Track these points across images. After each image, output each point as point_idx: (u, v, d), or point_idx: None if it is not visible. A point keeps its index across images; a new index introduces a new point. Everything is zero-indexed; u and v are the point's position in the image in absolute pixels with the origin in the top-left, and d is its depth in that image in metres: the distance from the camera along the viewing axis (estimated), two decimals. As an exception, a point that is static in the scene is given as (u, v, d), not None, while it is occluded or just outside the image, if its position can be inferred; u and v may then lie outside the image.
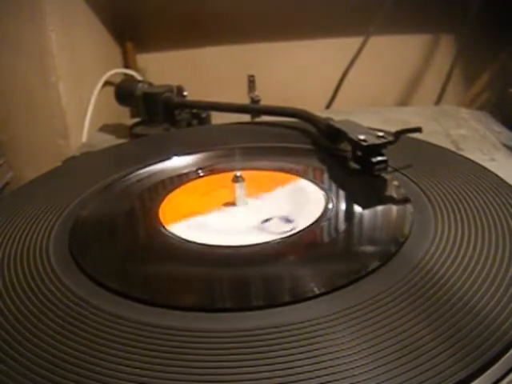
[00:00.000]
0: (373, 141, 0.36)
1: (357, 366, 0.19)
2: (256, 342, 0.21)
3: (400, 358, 0.19)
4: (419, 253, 0.26)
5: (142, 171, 0.39)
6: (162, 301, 0.24)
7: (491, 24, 0.70)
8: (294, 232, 0.30)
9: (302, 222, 0.31)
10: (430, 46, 0.78)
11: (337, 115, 0.44)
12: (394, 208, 0.32)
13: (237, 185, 0.33)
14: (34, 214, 0.33)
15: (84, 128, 0.63)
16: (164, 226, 0.31)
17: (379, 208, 0.32)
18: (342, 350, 0.20)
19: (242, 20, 0.75)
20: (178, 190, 0.37)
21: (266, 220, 0.32)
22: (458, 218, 0.29)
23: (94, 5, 0.68)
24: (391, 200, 0.33)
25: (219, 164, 0.40)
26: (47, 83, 0.57)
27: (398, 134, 0.36)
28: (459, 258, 0.25)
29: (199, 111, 0.55)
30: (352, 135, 0.37)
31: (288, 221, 0.31)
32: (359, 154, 0.37)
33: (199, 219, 0.32)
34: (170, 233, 0.31)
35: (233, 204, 0.34)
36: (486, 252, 0.26)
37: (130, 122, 0.59)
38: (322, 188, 0.35)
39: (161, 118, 0.55)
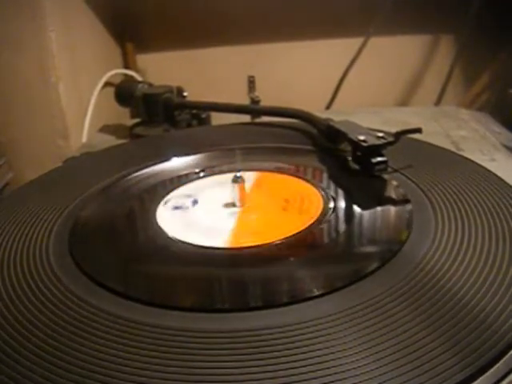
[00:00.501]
0: (373, 141, 0.36)
1: (359, 366, 0.19)
2: (258, 343, 0.21)
3: (401, 358, 0.19)
4: (419, 253, 0.26)
5: (141, 172, 0.39)
6: (162, 301, 0.24)
7: (491, 24, 0.70)
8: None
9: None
10: (429, 46, 0.78)
11: (337, 116, 0.44)
12: (394, 208, 0.32)
13: (236, 185, 0.33)
14: (34, 214, 0.33)
15: (84, 128, 0.63)
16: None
17: (379, 208, 0.32)
18: (344, 350, 0.20)
19: (242, 20, 0.75)
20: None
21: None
22: (458, 218, 0.29)
23: (95, 5, 0.68)
24: (391, 200, 0.33)
25: (219, 165, 0.40)
26: (47, 83, 0.57)
27: (398, 135, 0.36)
28: (459, 258, 0.25)
29: (199, 112, 0.55)
30: (352, 136, 0.37)
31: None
32: (359, 154, 0.37)
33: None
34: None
35: (233, 205, 0.34)
36: (486, 252, 0.26)
37: (130, 122, 0.59)
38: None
39: (161, 118, 0.55)
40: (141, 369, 0.20)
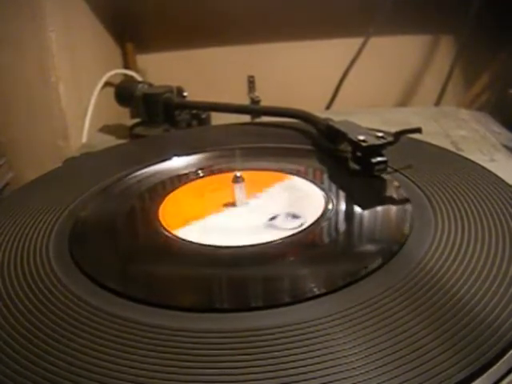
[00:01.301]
0: (372, 141, 0.36)
1: (358, 366, 0.19)
2: (259, 343, 0.21)
3: (401, 357, 0.19)
4: (419, 253, 0.26)
5: (141, 172, 0.39)
6: (162, 301, 0.24)
7: (491, 24, 0.70)
8: (296, 231, 0.30)
9: (310, 217, 0.31)
10: (429, 46, 0.78)
11: (336, 116, 0.44)
12: (394, 208, 0.32)
13: (237, 185, 0.33)
14: (34, 214, 0.33)
15: (84, 128, 0.63)
16: (164, 227, 0.31)
17: (379, 208, 0.32)
18: (344, 349, 0.20)
19: (242, 20, 0.75)
20: (176, 190, 0.37)
21: (273, 217, 0.32)
22: (458, 218, 0.29)
23: (95, 5, 0.68)
24: (391, 200, 0.33)
25: (219, 165, 0.40)
26: (47, 83, 0.57)
27: (398, 135, 0.36)
28: (459, 258, 0.25)
29: (199, 112, 0.55)
30: (352, 136, 0.37)
31: (295, 217, 0.31)
32: (359, 154, 0.37)
33: (204, 222, 0.32)
34: (170, 233, 0.31)
35: (233, 205, 0.34)
36: (486, 252, 0.26)
37: (130, 122, 0.59)
38: (321, 188, 0.35)
39: (161, 118, 0.55)
40: (140, 369, 0.20)
